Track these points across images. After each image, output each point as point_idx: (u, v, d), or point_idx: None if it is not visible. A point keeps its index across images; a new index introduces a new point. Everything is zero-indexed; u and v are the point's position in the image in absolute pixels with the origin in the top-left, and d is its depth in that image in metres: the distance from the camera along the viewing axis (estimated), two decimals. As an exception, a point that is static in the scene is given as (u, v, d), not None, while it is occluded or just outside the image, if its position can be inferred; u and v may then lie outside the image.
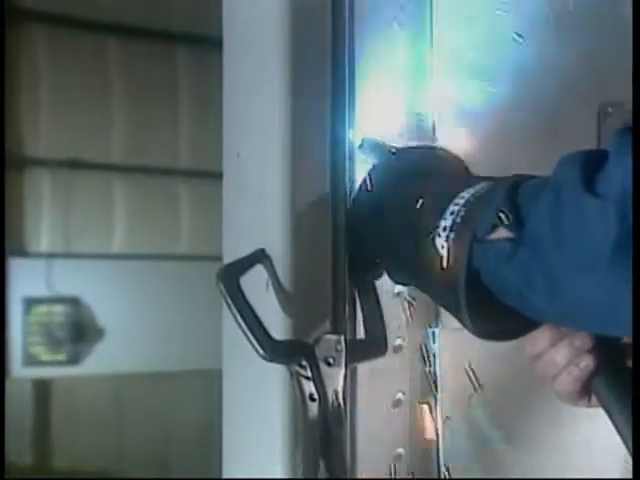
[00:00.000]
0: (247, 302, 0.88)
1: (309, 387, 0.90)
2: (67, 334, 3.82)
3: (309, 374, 0.90)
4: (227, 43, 1.04)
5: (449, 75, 1.06)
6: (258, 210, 0.97)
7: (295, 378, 0.90)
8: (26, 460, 3.84)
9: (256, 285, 0.92)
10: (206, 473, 3.93)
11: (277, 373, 0.92)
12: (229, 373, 0.99)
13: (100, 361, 3.86)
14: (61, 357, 3.81)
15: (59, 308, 3.83)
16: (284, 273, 0.93)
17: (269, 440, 0.92)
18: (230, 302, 0.88)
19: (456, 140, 1.04)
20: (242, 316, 0.88)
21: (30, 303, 3.78)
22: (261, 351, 0.87)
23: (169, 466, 4.03)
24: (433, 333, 1.06)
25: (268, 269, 0.93)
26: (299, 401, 0.90)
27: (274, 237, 0.94)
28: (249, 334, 0.87)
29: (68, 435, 3.92)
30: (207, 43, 3.99)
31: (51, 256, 3.82)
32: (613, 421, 0.83)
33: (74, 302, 3.85)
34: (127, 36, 3.98)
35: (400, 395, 1.03)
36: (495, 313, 0.82)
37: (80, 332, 3.84)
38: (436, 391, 1.05)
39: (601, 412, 0.84)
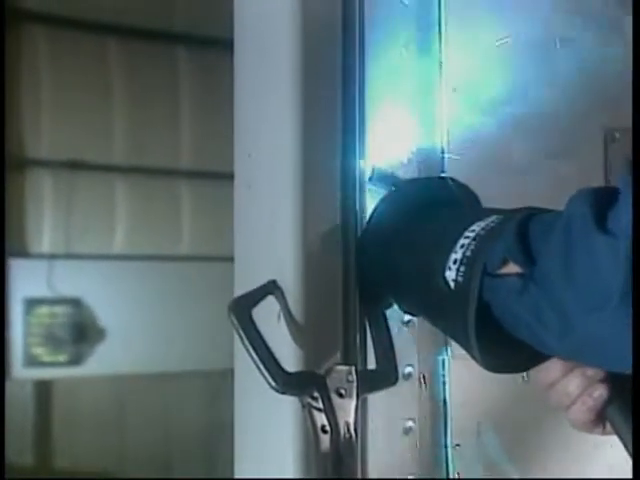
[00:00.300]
0: (259, 334, 0.88)
1: (321, 419, 0.90)
2: (68, 335, 3.81)
3: (321, 406, 0.90)
4: (238, 58, 1.05)
5: (459, 104, 1.06)
6: (269, 241, 0.97)
7: (307, 410, 0.90)
8: (27, 460, 3.85)
9: (267, 316, 0.93)
10: (208, 474, 3.95)
11: (289, 405, 0.92)
12: (241, 405, 0.99)
13: (101, 362, 3.85)
14: (62, 358, 3.81)
15: (60, 309, 3.82)
16: (295, 304, 0.94)
17: (281, 472, 0.93)
18: (242, 334, 0.88)
19: (466, 170, 1.04)
20: (254, 348, 0.88)
21: (31, 304, 3.78)
22: (273, 383, 0.87)
23: (170, 467, 4.03)
24: (443, 360, 1.06)
25: (279, 300, 0.94)
26: (311, 433, 0.90)
27: (285, 268, 0.94)
28: (261, 366, 0.88)
29: (69, 436, 3.92)
30: (208, 44, 3.99)
31: (52, 257, 3.82)
32: (628, 449, 0.83)
33: (75, 303, 3.85)
34: (128, 37, 3.97)
35: (410, 423, 1.03)
36: (505, 347, 0.82)
37: (81, 333, 3.84)
38: (446, 418, 1.05)
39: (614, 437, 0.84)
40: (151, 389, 4.08)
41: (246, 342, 0.88)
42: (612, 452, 0.88)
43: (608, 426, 0.85)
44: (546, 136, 1.08)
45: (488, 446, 1.06)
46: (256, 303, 0.91)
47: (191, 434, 4.09)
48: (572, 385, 0.84)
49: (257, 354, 0.88)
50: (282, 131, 0.97)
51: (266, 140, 1.00)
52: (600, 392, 0.83)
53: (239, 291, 0.95)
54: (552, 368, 0.85)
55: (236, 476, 0.99)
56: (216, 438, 3.98)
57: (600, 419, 0.84)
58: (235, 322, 0.88)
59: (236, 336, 0.89)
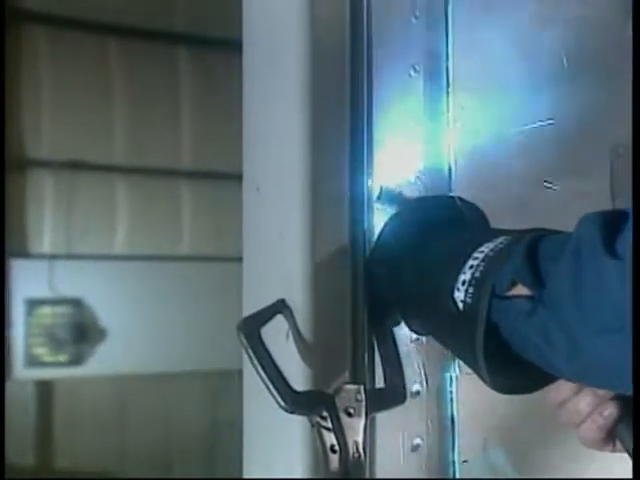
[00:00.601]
0: (268, 353, 0.88)
1: (330, 438, 0.90)
2: (69, 335, 3.82)
3: (330, 425, 0.90)
4: (247, 62, 1.05)
5: (466, 123, 1.06)
6: (278, 248, 0.97)
7: (316, 429, 0.90)
8: (28, 461, 3.85)
9: (276, 335, 0.93)
10: (208, 474, 3.95)
11: (298, 424, 0.92)
12: (249, 423, 1.00)
13: (102, 362, 3.85)
14: (63, 358, 3.81)
15: (61, 309, 3.82)
16: (304, 323, 0.94)
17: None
18: (251, 354, 0.88)
19: (474, 189, 1.04)
20: (263, 368, 0.88)
21: (32, 304, 3.78)
22: (282, 403, 0.87)
23: (171, 467, 4.04)
24: (450, 377, 1.06)
25: (288, 319, 0.94)
26: (320, 452, 0.90)
27: (294, 287, 0.94)
28: (270, 386, 0.87)
29: (70, 436, 3.92)
30: (209, 44, 3.99)
31: (53, 257, 3.82)
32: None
33: (76, 303, 3.85)
34: (128, 37, 3.97)
35: (418, 440, 1.04)
36: (513, 368, 0.83)
37: (82, 333, 3.84)
38: (454, 435, 1.05)
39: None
40: (151, 389, 4.08)
41: (255, 361, 0.88)
42: (620, 468, 0.88)
43: (618, 444, 0.85)
44: (554, 155, 1.08)
45: (495, 462, 1.06)
46: (265, 322, 0.91)
47: (191, 434, 4.09)
48: (583, 403, 0.84)
49: (266, 373, 0.88)
50: (290, 138, 0.97)
51: (274, 145, 1.00)
52: (610, 410, 0.84)
53: (247, 295, 0.96)
54: (563, 387, 0.85)
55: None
56: (216, 438, 3.98)
57: (610, 437, 0.85)
58: (244, 341, 0.88)
59: (245, 355, 0.89)
